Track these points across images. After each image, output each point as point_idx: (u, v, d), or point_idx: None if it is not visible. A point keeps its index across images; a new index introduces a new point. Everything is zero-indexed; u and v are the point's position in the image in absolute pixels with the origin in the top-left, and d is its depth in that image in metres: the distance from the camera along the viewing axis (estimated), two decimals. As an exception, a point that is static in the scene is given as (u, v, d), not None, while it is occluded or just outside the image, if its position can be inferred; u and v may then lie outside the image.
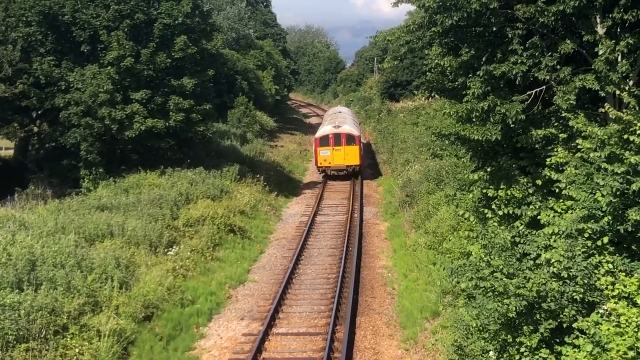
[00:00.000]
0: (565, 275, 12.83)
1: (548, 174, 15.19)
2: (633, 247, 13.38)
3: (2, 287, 17.24)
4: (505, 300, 12.76)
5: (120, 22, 34.37)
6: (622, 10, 14.41)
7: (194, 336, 19.92)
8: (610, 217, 12.92)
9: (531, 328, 12.99)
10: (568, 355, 12.28)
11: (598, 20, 15.16)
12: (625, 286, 12.42)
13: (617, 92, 14.58)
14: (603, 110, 14.36)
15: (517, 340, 13.09)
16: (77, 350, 16.56)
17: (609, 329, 11.88)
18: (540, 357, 12.79)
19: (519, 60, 15.59)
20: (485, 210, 17.11)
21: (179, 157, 36.16)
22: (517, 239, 14.72)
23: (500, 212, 16.46)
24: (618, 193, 12.81)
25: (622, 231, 13.00)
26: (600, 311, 12.57)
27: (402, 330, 20.29)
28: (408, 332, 19.83)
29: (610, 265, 12.98)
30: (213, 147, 42.91)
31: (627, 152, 13.03)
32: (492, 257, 14.36)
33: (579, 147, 14.48)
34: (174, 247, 25.19)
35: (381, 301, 22.89)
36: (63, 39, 35.12)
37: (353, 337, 19.72)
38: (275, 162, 51.43)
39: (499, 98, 15.83)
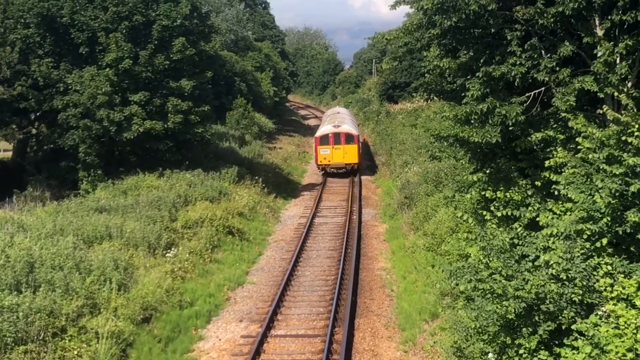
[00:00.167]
0: (564, 277, 12.84)
1: (547, 176, 15.20)
2: (632, 248, 13.39)
3: (1, 289, 17.24)
4: (504, 302, 12.75)
5: (118, 24, 34.37)
6: (620, 11, 14.43)
7: (192, 338, 19.91)
8: (609, 219, 12.93)
9: (530, 330, 12.99)
10: (567, 357, 12.27)
11: (597, 22, 15.17)
12: (624, 288, 12.41)
13: (616, 94, 14.59)
14: (601, 111, 14.37)
15: (516, 342, 13.09)
16: (75, 352, 16.54)
17: (607, 331, 11.87)
18: (539, 358, 12.77)
19: (518, 62, 15.60)
20: (484, 212, 17.11)
21: (178, 159, 36.15)
22: (516, 241, 14.73)
23: (499, 214, 16.46)
24: (617, 194, 12.81)
25: (620, 233, 13.01)
26: (599, 313, 12.57)
27: (400, 332, 20.28)
28: (407, 334, 19.82)
29: (609, 267, 12.98)
30: (211, 149, 42.91)
31: (626, 153, 13.04)
32: (490, 259, 14.36)
33: (578, 147, 14.49)
34: (173, 249, 25.18)
35: (380, 303, 22.89)
36: (61, 40, 35.11)
37: (352, 339, 19.71)
38: (274, 164, 51.41)
39: (498, 100, 15.84)
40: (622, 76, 14.52)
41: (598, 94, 14.96)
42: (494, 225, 16.44)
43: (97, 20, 34.17)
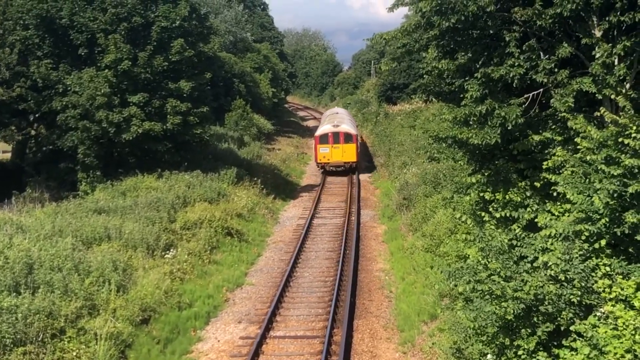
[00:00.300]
0: (563, 278, 12.83)
1: (546, 176, 15.20)
2: (630, 249, 13.38)
3: (0, 291, 17.22)
4: (503, 303, 12.75)
5: (117, 25, 34.36)
6: (618, 13, 14.44)
7: (191, 339, 19.90)
8: (607, 220, 12.93)
9: (529, 331, 12.98)
10: (565, 358, 12.26)
11: (595, 23, 15.17)
12: (622, 289, 12.41)
13: (613, 96, 14.60)
14: (599, 114, 14.37)
15: (515, 343, 13.08)
16: (74, 353, 16.54)
17: (606, 332, 11.87)
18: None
19: (516, 63, 15.60)
20: (483, 214, 17.11)
21: (176, 160, 36.14)
22: (515, 242, 14.73)
23: (498, 215, 16.46)
24: (615, 195, 12.82)
25: (619, 234, 13.01)
26: (598, 314, 12.57)
27: (399, 333, 20.28)
28: (406, 335, 19.82)
29: (608, 268, 12.97)
30: (210, 150, 42.91)
31: (624, 155, 13.04)
32: (489, 260, 14.36)
33: (577, 147, 14.49)
34: (172, 250, 25.18)
35: (379, 304, 22.88)
36: (60, 42, 35.10)
37: (350, 340, 19.71)
38: (273, 165, 51.42)
39: (497, 101, 15.84)
40: (621, 77, 14.53)
41: (596, 96, 14.97)
42: (493, 227, 16.44)
43: (96, 22, 34.16)
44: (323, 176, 49.58)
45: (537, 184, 16.00)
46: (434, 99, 20.51)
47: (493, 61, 16.18)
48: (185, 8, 35.90)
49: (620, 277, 12.78)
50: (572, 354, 12.19)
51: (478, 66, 16.42)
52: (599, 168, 13.38)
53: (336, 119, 56.21)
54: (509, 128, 15.69)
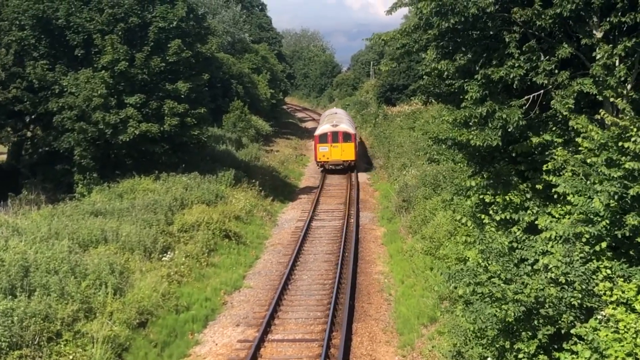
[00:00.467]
0: (563, 281, 12.84)
1: (546, 178, 15.21)
2: (631, 252, 13.38)
3: (-5, 294, 17.23)
4: (503, 306, 12.77)
5: (114, 25, 34.33)
6: (619, 13, 14.45)
7: (188, 343, 19.89)
8: (607, 222, 12.94)
9: (529, 334, 12.99)
10: (566, 362, 12.28)
11: (596, 23, 15.19)
12: (623, 292, 12.41)
13: (612, 99, 14.61)
14: (599, 116, 14.38)
15: (515, 346, 13.10)
16: (70, 357, 16.54)
17: (607, 335, 11.87)
18: (538, 363, 12.80)
19: (517, 64, 15.62)
20: (483, 216, 17.13)
21: (174, 162, 36.13)
22: (515, 245, 14.73)
23: (498, 218, 16.47)
24: (616, 197, 12.82)
25: (620, 236, 13.01)
26: (599, 317, 12.57)
27: (399, 336, 20.29)
28: (405, 339, 19.83)
29: (609, 271, 12.97)
30: (208, 152, 42.90)
31: (624, 157, 13.05)
32: (489, 262, 14.37)
33: (578, 149, 14.51)
34: (169, 252, 25.17)
35: (378, 307, 22.89)
36: (57, 42, 35.06)
37: (349, 344, 19.71)
38: (271, 167, 51.45)
39: (497, 103, 15.85)
40: (622, 79, 14.54)
41: (597, 97, 14.99)
42: (493, 229, 16.45)
43: (92, 22, 34.11)
44: (322, 178, 49.67)
45: (538, 186, 16.01)
46: (433, 101, 20.54)
47: (493, 62, 16.20)
48: (183, 8, 35.89)
49: (622, 279, 12.78)
50: (573, 358, 12.20)
51: (478, 67, 16.43)
52: (599, 170, 13.38)
53: (335, 118, 57.73)
54: (510, 130, 15.71)
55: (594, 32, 15.21)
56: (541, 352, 12.93)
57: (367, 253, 29.66)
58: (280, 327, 20.97)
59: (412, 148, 43.93)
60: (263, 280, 25.93)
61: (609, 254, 13.28)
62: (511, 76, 15.57)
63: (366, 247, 30.78)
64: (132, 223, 26.08)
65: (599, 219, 12.99)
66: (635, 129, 13.04)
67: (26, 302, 17.13)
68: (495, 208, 16.78)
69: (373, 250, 30.26)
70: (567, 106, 14.93)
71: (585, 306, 12.80)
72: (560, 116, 15.62)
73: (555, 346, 12.94)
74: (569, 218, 14.11)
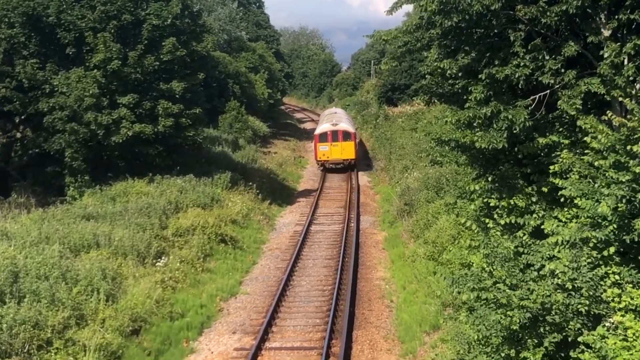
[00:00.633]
0: (570, 287, 12.85)
1: (553, 181, 15.22)
2: (640, 257, 13.41)
3: (-17, 300, 17.24)
4: (508, 313, 12.77)
5: (106, 23, 34.36)
6: (628, 10, 14.46)
7: (183, 351, 19.91)
8: (615, 226, 12.94)
9: (535, 341, 13.00)
10: (573, 370, 12.30)
11: (603, 21, 15.20)
12: (632, 298, 12.42)
13: (620, 99, 14.62)
14: (606, 117, 14.39)
15: (521, 354, 13.10)
16: (61, 365, 16.55)
17: (615, 343, 11.88)
18: (544, 372, 12.81)
19: (522, 63, 15.62)
20: (487, 220, 17.13)
21: (168, 164, 36.14)
22: (521, 249, 14.74)
23: (502, 222, 16.47)
24: (624, 201, 12.83)
25: (628, 241, 13.01)
26: (607, 324, 12.58)
27: (400, 344, 20.30)
28: (407, 347, 19.84)
29: (617, 277, 12.98)
30: (203, 154, 42.92)
31: (632, 160, 13.05)
32: (494, 267, 14.38)
33: (585, 151, 14.52)
34: (163, 257, 25.19)
35: (379, 314, 22.91)
36: (47, 40, 35.09)
37: (349, 352, 19.74)
38: (269, 169, 51.49)
39: (502, 103, 15.85)
40: (630, 78, 14.55)
41: (605, 97, 15.00)
42: (498, 233, 16.46)
43: (84, 20, 34.15)
44: (321, 181, 49.79)
45: (544, 189, 16.02)
46: (436, 101, 20.55)
47: (497, 61, 16.20)
48: (177, 5, 35.93)
49: (630, 285, 12.79)
50: (580, 366, 12.22)
51: (482, 67, 16.44)
52: (607, 174, 13.38)
53: (334, 118, 59.78)
54: (515, 131, 15.70)
55: (602, 29, 15.22)
56: (547, 360, 12.95)
57: (367, 258, 29.68)
58: (278, 334, 20.99)
59: (414, 150, 43.99)
60: (260, 286, 25.94)
61: (617, 259, 13.28)
62: (516, 76, 15.56)
63: (367, 252, 30.79)
64: (125, 227, 26.09)
65: (607, 223, 12.99)
66: (643, 131, 13.05)
67: (15, 308, 17.15)
68: (500, 212, 16.78)
69: (374, 255, 30.28)
70: (574, 106, 14.93)
71: (592, 313, 12.81)
72: (567, 117, 15.62)
73: (562, 354, 12.95)
74: (576, 222, 14.11)
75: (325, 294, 24.41)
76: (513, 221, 16.27)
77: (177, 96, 35.45)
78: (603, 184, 13.30)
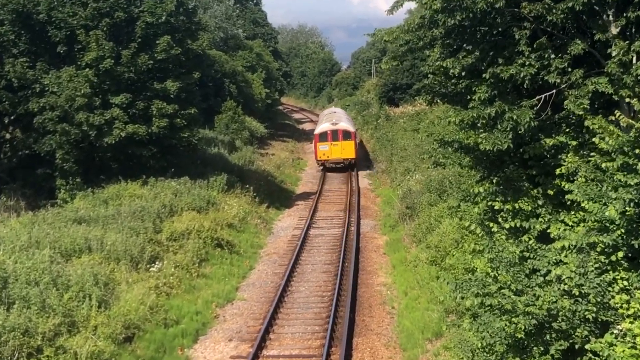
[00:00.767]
0: (577, 293, 12.86)
1: (559, 184, 15.22)
2: (649, 262, 13.41)
3: (-28, 306, 17.23)
4: (513, 319, 12.78)
5: (99, 20, 34.34)
6: (637, 7, 14.47)
7: (178, 359, 19.89)
8: (623, 231, 12.95)
9: (541, 349, 13.01)
10: (580, 379, 12.30)
11: (611, 18, 15.21)
12: (641, 304, 12.44)
13: (628, 99, 14.62)
14: (614, 118, 14.41)
15: (526, 363, 13.12)
16: (52, 374, 16.54)
17: (624, 351, 11.89)
18: (550, 380, 12.81)
19: (527, 62, 15.63)
20: (491, 224, 17.14)
21: (162, 166, 36.11)
22: (526, 254, 14.75)
23: (507, 226, 16.48)
24: (632, 204, 12.83)
25: (637, 246, 13.02)
26: (615, 331, 12.59)
27: (402, 352, 20.30)
28: (409, 354, 19.84)
29: (625, 282, 12.99)
30: (199, 155, 42.90)
31: (640, 162, 13.06)
32: (499, 272, 14.38)
33: (591, 154, 14.52)
34: (157, 262, 25.17)
35: (380, 321, 22.90)
36: (38, 39, 35.07)
37: (350, 360, 19.73)
38: (266, 172, 51.49)
39: (507, 103, 15.86)
40: (639, 77, 14.55)
41: (613, 97, 15.00)
42: (503, 237, 16.47)
43: (76, 17, 34.12)
44: (320, 183, 49.82)
45: (550, 192, 16.03)
46: (439, 101, 20.56)
47: (502, 60, 16.21)
48: (172, 2, 35.92)
49: (639, 292, 12.80)
50: (588, 374, 12.23)
51: (486, 66, 16.46)
52: (615, 177, 13.39)
53: (334, 117, 61.27)
54: (520, 132, 15.71)
55: (609, 27, 15.23)
56: (554, 368, 12.95)
57: (368, 263, 29.68)
58: (276, 342, 20.98)
59: (416, 151, 43.98)
60: (257, 292, 25.93)
61: (625, 264, 13.29)
62: (521, 75, 15.57)
63: (367, 256, 30.79)
64: (117, 231, 26.08)
65: (615, 228, 12.99)
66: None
67: (4, 315, 17.14)
68: (504, 215, 16.80)
69: (375, 260, 30.27)
70: (581, 106, 14.93)
71: (600, 320, 12.82)
72: (574, 117, 15.64)
73: (569, 362, 12.96)
74: (583, 226, 14.12)
75: (324, 300, 24.41)
76: (518, 225, 16.29)
77: (171, 96, 35.42)
78: (610, 187, 13.30)
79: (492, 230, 17.00)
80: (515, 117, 15.37)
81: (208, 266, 27.66)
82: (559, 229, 14.88)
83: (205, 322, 22.68)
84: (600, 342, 12.36)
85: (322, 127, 57.31)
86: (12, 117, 37.49)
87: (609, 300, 12.79)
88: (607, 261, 13.13)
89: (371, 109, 79.78)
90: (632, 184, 12.91)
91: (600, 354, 12.16)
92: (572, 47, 15.32)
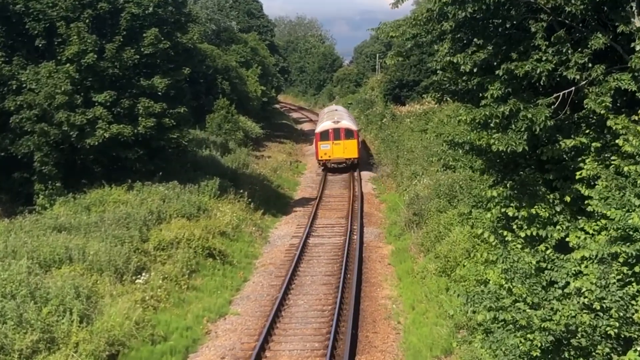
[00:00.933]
0: (598, 307, 12.85)
1: (578, 189, 15.22)
2: (676, 274, 13.40)
3: (-57, 321, 17.24)
4: (528, 335, 12.78)
5: (80, 12, 34.36)
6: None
7: (166, 378, 19.91)
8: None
9: (559, 368, 13.01)
10: (602, 399, 12.30)
11: (635, 9, 15.22)
12: (667, 320, 12.44)
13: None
14: (637, 117, 14.41)
15: (543, 383, 13.11)
16: (29, 394, 16.55)
17: (648, 369, 11.90)
18: (569, 401, 12.81)
19: (544, 58, 15.63)
20: (505, 232, 17.14)
21: (150, 169, 36.13)
22: (543, 264, 14.74)
23: (522, 234, 16.48)
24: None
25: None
26: (638, 348, 12.59)
27: (409, 370, 20.30)
28: (416, 373, 19.85)
29: (650, 296, 13.00)
30: (189, 158, 42.95)
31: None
32: (513, 284, 14.38)
33: (612, 158, 14.52)
34: (144, 274, 25.18)
35: (384, 337, 22.91)
36: (14, 31, 35.09)
37: (352, 379, 19.74)
38: (262, 175, 51.53)
39: (522, 101, 15.86)
40: (664, 73, 14.58)
41: (637, 94, 15.01)
42: (518, 246, 16.47)
43: (55, 8, 34.14)
44: (320, 188, 49.86)
45: (568, 198, 16.03)
46: (448, 99, 20.58)
47: (516, 56, 16.22)
48: (160, -8, 36.02)
49: (665, 305, 12.80)
50: (610, 395, 12.23)
51: (499, 61, 16.46)
52: (638, 182, 13.39)
53: (336, 115, 62.90)
54: (536, 132, 15.71)
55: (633, 19, 15.23)
56: (573, 388, 12.95)
57: (372, 274, 29.69)
58: (272, 360, 21.02)
59: (424, 153, 43.95)
60: (252, 306, 25.94)
61: (650, 276, 13.30)
62: (537, 71, 15.57)
63: (371, 267, 30.81)
64: (101, 240, 26.10)
65: (639, 236, 13.00)
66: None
67: (-22, 331, 17.15)
68: (519, 223, 16.79)
69: (379, 271, 30.29)
70: (603, 105, 14.92)
71: (623, 336, 12.82)
72: (595, 117, 15.64)
73: (589, 382, 12.96)
74: (604, 235, 14.11)
75: (324, 314, 24.42)
76: (534, 233, 16.29)
77: (159, 93, 35.47)
78: (634, 193, 13.30)
79: (506, 238, 16.99)
80: (530, 116, 15.36)
81: (199, 278, 27.67)
82: (579, 237, 14.86)
83: (196, 338, 22.67)
84: (623, 360, 12.38)
85: (324, 125, 58.81)
86: (-14, 117, 37.51)
87: (633, 314, 12.78)
88: (630, 272, 13.12)
89: (375, 107, 79.85)
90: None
91: (623, 373, 12.18)
92: (593, 41, 15.32)
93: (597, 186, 14.59)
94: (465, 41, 17.88)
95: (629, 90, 14.97)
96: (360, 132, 66.43)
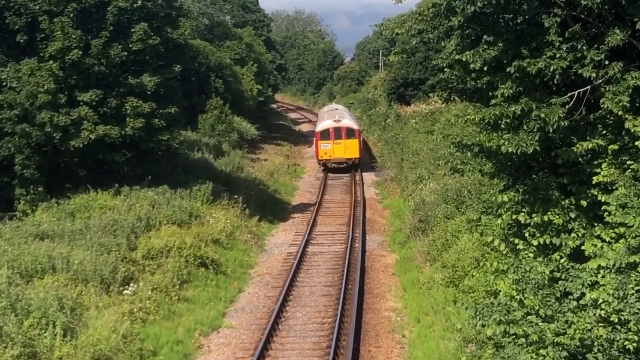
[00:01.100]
0: (616, 320, 12.87)
1: (595, 194, 15.23)
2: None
3: None
4: (541, 351, 12.79)
5: (64, 5, 34.32)
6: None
7: (155, 396, 19.92)
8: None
9: (573, 385, 13.01)
10: (619, 419, 12.30)
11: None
12: (689, 333, 12.45)
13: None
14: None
15: (556, 400, 13.11)
16: (10, 413, 16.54)
17: (668, 386, 11.91)
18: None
19: (558, 55, 15.65)
20: (517, 240, 17.14)
21: (138, 173, 36.10)
22: (557, 274, 14.75)
23: (535, 242, 16.48)
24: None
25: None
26: (659, 364, 12.61)
27: (414, 387, 20.31)
28: (422, 391, 19.85)
29: (671, 308, 13.00)
30: (180, 161, 42.92)
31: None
32: (525, 295, 14.39)
33: (628, 162, 14.53)
34: (132, 284, 25.16)
35: (388, 352, 22.92)
36: (-6, 26, 35.14)
37: (353, 397, 19.74)
38: (258, 180, 51.52)
39: (534, 101, 15.87)
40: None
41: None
42: (530, 255, 16.47)
43: (38, 2, 34.08)
44: (320, 193, 49.84)
45: (584, 203, 16.03)
46: (456, 98, 20.59)
47: (528, 53, 16.22)
48: (149, -15, 36.04)
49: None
50: (628, 413, 12.24)
51: (510, 59, 16.48)
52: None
53: (337, 114, 64.22)
54: (549, 133, 15.72)
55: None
56: (588, 407, 12.95)
57: (375, 285, 29.69)
58: (269, 376, 21.03)
59: (430, 156, 43.94)
60: (247, 319, 25.93)
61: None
62: (551, 69, 15.59)
63: (374, 277, 30.81)
64: (86, 248, 26.09)
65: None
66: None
67: (-44, 345, 17.15)
68: (532, 230, 16.80)
69: (382, 281, 30.29)
70: (620, 104, 14.93)
71: (642, 351, 12.84)
72: (612, 117, 15.66)
73: (606, 399, 12.96)
74: (622, 243, 14.12)
75: (324, 327, 24.41)
76: (548, 241, 16.30)
77: (148, 92, 35.43)
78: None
79: (518, 247, 17.00)
80: (543, 116, 15.36)
81: (190, 288, 27.65)
82: (595, 245, 14.88)
83: (187, 353, 22.67)
84: (642, 377, 12.39)
85: (324, 124, 60.30)
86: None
87: (652, 328, 12.81)
88: (649, 283, 13.15)
89: (378, 107, 79.83)
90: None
91: (642, 389, 12.19)
92: (610, 37, 15.34)
93: (614, 192, 14.59)
94: (474, 37, 17.90)
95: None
96: (362, 132, 67.02)
